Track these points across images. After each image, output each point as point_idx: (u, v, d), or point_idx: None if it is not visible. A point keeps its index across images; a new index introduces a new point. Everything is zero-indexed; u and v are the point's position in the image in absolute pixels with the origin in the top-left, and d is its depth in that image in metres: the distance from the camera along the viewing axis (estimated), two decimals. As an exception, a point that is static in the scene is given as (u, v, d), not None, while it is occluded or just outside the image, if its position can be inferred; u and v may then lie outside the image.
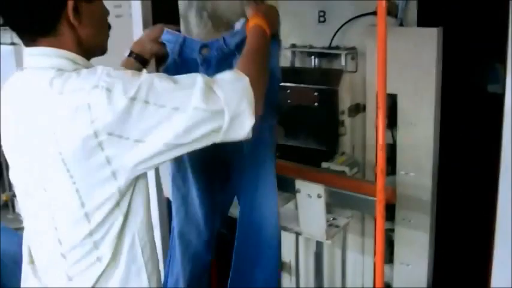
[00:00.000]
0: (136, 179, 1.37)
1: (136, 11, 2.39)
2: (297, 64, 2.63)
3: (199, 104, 1.28)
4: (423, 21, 2.25)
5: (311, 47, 2.55)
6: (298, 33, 2.55)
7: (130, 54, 1.88)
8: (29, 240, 1.52)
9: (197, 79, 1.32)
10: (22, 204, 1.51)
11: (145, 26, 2.29)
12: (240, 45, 1.70)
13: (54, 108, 1.29)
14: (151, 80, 1.29)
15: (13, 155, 1.44)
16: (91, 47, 1.44)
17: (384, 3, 1.37)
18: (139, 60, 1.87)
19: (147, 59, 1.89)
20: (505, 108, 1.60)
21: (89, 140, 1.25)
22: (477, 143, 2.22)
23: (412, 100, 2.24)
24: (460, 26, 2.18)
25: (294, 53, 2.59)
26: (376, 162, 1.50)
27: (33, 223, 1.48)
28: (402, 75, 2.21)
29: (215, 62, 1.82)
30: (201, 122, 1.30)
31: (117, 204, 1.35)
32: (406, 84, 2.22)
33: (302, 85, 2.37)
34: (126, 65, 1.85)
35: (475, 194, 2.24)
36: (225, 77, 1.38)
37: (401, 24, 2.27)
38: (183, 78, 1.34)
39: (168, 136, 1.28)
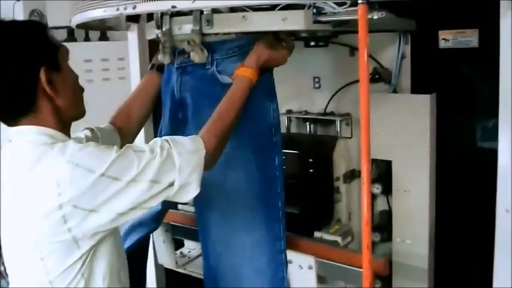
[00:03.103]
0: (97, 245, 1.43)
1: (134, 71, 2.45)
2: (293, 130, 2.63)
3: (155, 177, 1.39)
4: (417, 88, 2.25)
5: (306, 112, 2.55)
6: (293, 99, 2.56)
7: (152, 67, 2.02)
8: None
9: (157, 151, 1.41)
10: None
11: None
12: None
13: (25, 182, 1.36)
14: (118, 155, 1.36)
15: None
16: (71, 115, 1.52)
17: (365, 68, 1.36)
18: (161, 70, 1.99)
19: None
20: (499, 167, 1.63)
21: (54, 212, 1.32)
22: (474, 209, 2.17)
23: (407, 166, 2.21)
24: (453, 91, 2.17)
25: (289, 118, 2.60)
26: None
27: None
28: (396, 142, 2.20)
29: (191, 68, 1.84)
30: (155, 193, 1.40)
31: (80, 270, 1.41)
32: (401, 150, 2.21)
33: (297, 152, 2.36)
34: (149, 80, 2.02)
35: (473, 262, 2.19)
36: (186, 144, 1.47)
37: (394, 91, 2.26)
38: (146, 148, 1.42)
39: (124, 206, 1.37)
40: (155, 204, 1.43)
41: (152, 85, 2.02)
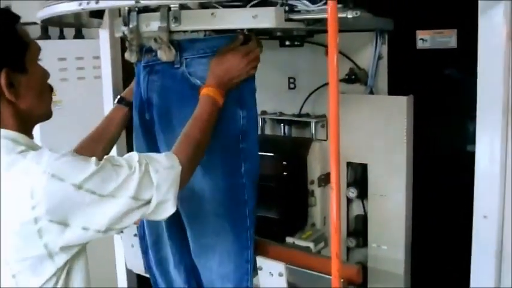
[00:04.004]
0: (72, 260, 1.36)
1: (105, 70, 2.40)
2: (267, 131, 2.57)
3: (135, 193, 1.34)
4: (394, 89, 2.20)
5: (281, 114, 2.50)
6: (268, 100, 2.49)
7: (120, 101, 1.95)
8: None
9: (137, 164, 1.36)
10: None
11: (115, 87, 2.35)
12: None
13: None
14: (97, 168, 1.30)
15: None
16: (34, 117, 1.43)
17: (334, 69, 1.29)
18: (129, 106, 1.92)
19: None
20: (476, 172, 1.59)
21: (28, 225, 1.24)
22: (452, 214, 2.13)
23: (383, 170, 2.17)
24: (431, 93, 2.12)
25: (264, 120, 2.54)
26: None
27: None
28: (372, 145, 2.15)
29: (159, 67, 1.78)
30: (133, 210, 1.35)
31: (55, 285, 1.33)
32: (377, 153, 2.16)
33: (270, 154, 2.29)
34: (115, 113, 1.94)
35: (450, 268, 2.14)
36: (162, 161, 1.43)
37: (371, 92, 2.21)
38: (124, 163, 1.36)
39: (101, 222, 1.31)
40: (131, 222, 1.37)
41: (119, 119, 1.95)
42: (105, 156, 1.39)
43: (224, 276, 1.88)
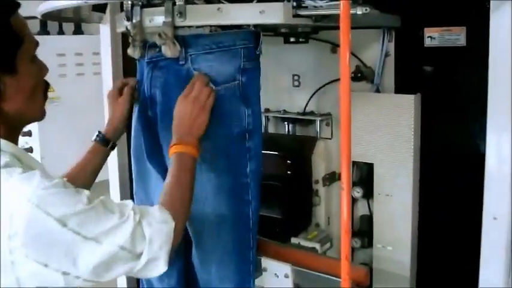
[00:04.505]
0: None
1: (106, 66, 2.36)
2: (271, 130, 2.54)
3: (123, 243, 1.22)
4: (400, 88, 2.16)
5: (285, 112, 2.46)
6: (271, 98, 2.45)
7: (99, 138, 1.78)
8: None
9: (130, 213, 1.26)
10: None
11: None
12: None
13: None
14: (86, 207, 1.19)
15: None
16: (23, 121, 1.33)
17: (346, 66, 1.26)
18: (106, 145, 1.78)
19: (115, 144, 1.82)
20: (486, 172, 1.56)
21: (2, 256, 1.13)
22: (459, 214, 2.09)
23: (389, 169, 2.13)
24: (438, 91, 2.09)
25: (267, 118, 2.50)
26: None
27: None
28: (378, 144, 2.12)
29: (163, 63, 1.72)
30: (119, 260, 1.23)
31: None
32: (383, 153, 2.12)
33: (274, 152, 2.26)
34: (93, 151, 1.78)
35: (457, 270, 2.11)
36: (156, 214, 1.32)
37: (377, 90, 2.18)
38: (115, 209, 1.26)
39: (82, 269, 1.19)
40: (116, 274, 1.25)
41: (96, 157, 1.79)
42: (100, 197, 1.27)
43: (224, 277, 1.83)
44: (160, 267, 1.30)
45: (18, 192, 1.14)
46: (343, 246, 1.30)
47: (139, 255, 1.25)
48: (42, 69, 1.36)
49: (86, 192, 1.23)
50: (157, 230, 1.29)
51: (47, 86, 1.39)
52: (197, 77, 1.65)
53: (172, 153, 1.55)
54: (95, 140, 1.78)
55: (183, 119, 1.59)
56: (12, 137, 1.30)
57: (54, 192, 1.17)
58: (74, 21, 3.25)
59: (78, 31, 3.65)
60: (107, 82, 2.41)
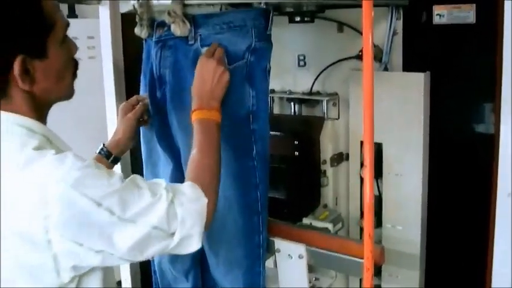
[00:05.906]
0: (82, 276, 1.24)
1: (106, 49, 2.30)
2: (276, 111, 2.51)
3: (157, 223, 1.23)
4: (408, 66, 2.13)
5: (290, 92, 2.43)
6: (276, 78, 2.41)
7: (101, 151, 1.76)
8: None
9: (162, 193, 1.26)
10: None
11: (115, 68, 2.19)
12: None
13: (11, 185, 1.15)
14: (119, 186, 1.20)
15: None
16: (51, 101, 1.31)
17: (370, 44, 1.24)
18: (109, 158, 1.76)
19: (118, 158, 1.79)
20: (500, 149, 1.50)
21: (38, 234, 1.13)
22: (469, 193, 2.08)
23: (398, 149, 2.11)
24: (447, 70, 2.06)
25: (272, 98, 2.47)
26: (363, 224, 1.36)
27: None
28: (387, 123, 2.08)
29: (172, 42, 1.70)
30: (154, 240, 1.24)
31: None
32: (392, 132, 2.10)
33: (281, 133, 2.23)
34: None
35: (466, 249, 2.10)
36: (187, 192, 1.32)
37: (385, 69, 2.15)
38: (148, 188, 1.25)
39: (117, 247, 1.20)
40: (152, 253, 1.26)
41: None
42: (132, 176, 1.28)
43: (233, 261, 1.81)
44: (194, 245, 1.31)
45: (53, 173, 1.13)
46: (366, 225, 1.28)
47: (172, 234, 1.26)
48: (72, 48, 1.33)
49: (118, 172, 1.23)
50: (189, 209, 1.29)
51: (76, 64, 1.37)
52: (214, 45, 1.64)
53: (195, 119, 1.54)
54: (99, 153, 1.77)
55: (206, 80, 1.58)
56: (42, 117, 1.29)
57: (88, 173, 1.17)
58: (72, 2, 3.18)
59: (72, 15, 3.58)
60: (108, 66, 2.36)
